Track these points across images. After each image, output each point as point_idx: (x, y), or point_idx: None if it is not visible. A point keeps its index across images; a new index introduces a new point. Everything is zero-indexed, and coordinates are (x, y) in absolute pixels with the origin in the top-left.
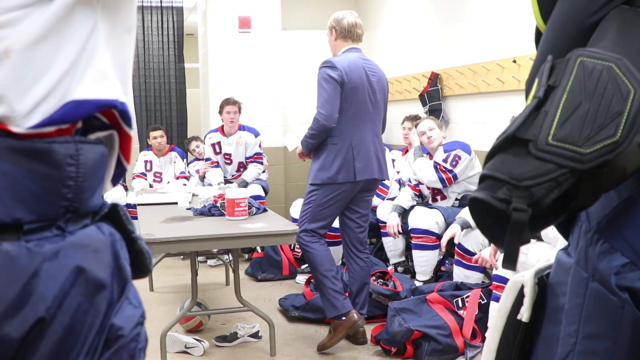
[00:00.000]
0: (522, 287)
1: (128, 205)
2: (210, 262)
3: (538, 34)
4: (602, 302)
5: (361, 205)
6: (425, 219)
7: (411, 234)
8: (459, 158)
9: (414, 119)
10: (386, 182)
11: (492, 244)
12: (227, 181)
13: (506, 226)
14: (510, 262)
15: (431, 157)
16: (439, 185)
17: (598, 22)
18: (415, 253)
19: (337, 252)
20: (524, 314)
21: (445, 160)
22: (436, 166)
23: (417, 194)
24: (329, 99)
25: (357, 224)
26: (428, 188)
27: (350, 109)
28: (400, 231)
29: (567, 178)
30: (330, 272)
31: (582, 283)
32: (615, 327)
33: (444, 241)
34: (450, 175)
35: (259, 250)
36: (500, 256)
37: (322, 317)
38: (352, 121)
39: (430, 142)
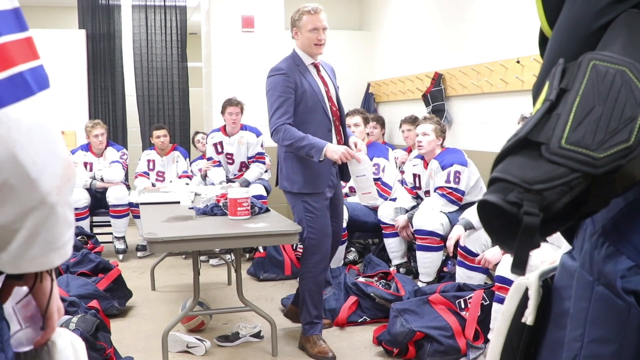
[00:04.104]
0: (527, 289)
1: (130, 204)
2: (212, 261)
3: (542, 38)
4: (607, 306)
5: None
6: (430, 220)
7: (416, 235)
8: (460, 173)
9: (412, 121)
10: (389, 182)
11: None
12: (229, 180)
13: (515, 230)
14: (520, 266)
15: (426, 162)
16: (453, 208)
17: (606, 25)
18: (419, 254)
19: (340, 251)
20: (529, 317)
21: (447, 181)
22: (442, 193)
23: (414, 196)
24: None
25: None
26: (427, 193)
27: None
28: (412, 232)
29: (580, 182)
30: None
31: (588, 287)
32: (621, 331)
33: (450, 244)
34: (458, 194)
35: (261, 250)
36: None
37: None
38: None
39: (420, 147)
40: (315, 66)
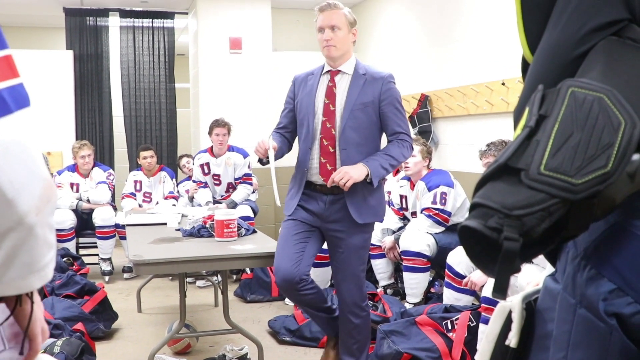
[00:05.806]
0: (510, 312)
1: (117, 226)
2: (199, 283)
3: (525, 64)
4: (590, 328)
5: None
6: (416, 241)
7: (402, 256)
8: (446, 194)
9: None
10: None
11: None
12: (216, 202)
13: (495, 254)
14: (501, 291)
15: (412, 184)
16: (439, 229)
17: (586, 52)
18: (406, 275)
19: (326, 272)
20: (512, 340)
21: (434, 202)
22: (429, 214)
23: (401, 217)
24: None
25: None
26: (413, 214)
27: None
28: (399, 253)
29: (559, 208)
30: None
31: (570, 309)
32: (603, 354)
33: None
34: (445, 215)
35: (248, 272)
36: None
37: (313, 340)
38: None
39: (406, 169)
40: (331, 74)
